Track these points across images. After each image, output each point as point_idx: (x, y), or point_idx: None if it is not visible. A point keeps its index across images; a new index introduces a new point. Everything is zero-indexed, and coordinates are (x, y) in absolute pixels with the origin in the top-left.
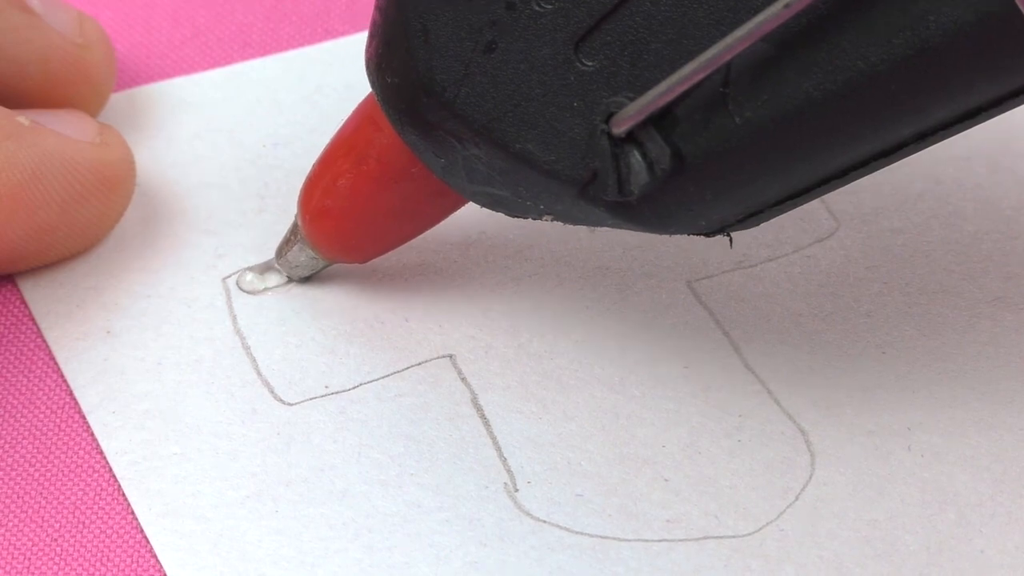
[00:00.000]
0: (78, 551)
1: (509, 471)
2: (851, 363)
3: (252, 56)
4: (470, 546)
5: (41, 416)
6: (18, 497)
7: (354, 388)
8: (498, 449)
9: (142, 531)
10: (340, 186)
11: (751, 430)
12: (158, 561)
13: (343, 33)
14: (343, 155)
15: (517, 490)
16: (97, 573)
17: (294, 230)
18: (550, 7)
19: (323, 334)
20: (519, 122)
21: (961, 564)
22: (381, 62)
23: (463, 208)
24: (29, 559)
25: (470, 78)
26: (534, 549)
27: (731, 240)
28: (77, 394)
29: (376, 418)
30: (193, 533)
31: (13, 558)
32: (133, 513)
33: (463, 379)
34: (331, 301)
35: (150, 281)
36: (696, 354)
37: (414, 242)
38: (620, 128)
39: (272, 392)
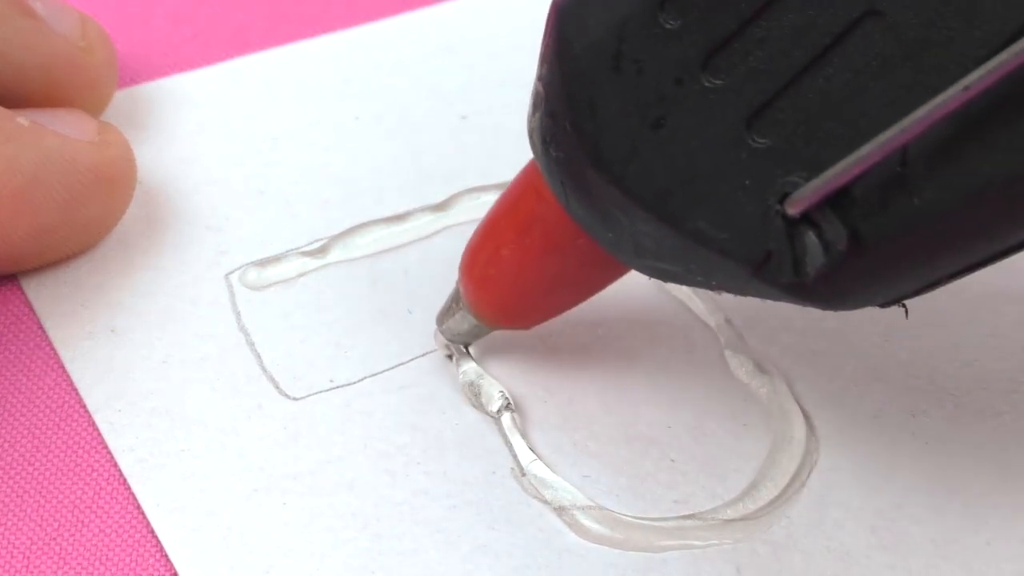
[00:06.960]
0: (84, 549)
1: (515, 455)
2: (854, 349)
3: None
4: (478, 530)
5: (46, 415)
6: (24, 496)
7: (359, 381)
8: (503, 435)
9: (148, 528)
10: (503, 256)
11: (756, 414)
12: (163, 558)
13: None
14: (506, 225)
15: (524, 474)
16: (102, 571)
17: (455, 298)
18: (720, 83)
19: (327, 328)
20: (689, 200)
21: (967, 555)
22: (545, 135)
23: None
24: (31, 558)
25: (638, 154)
26: (542, 532)
27: (906, 311)
28: (82, 393)
29: (381, 410)
30: (202, 528)
31: (14, 558)
32: (139, 510)
33: None
34: (334, 295)
35: (154, 279)
36: (699, 338)
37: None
38: (795, 209)
39: (277, 387)
